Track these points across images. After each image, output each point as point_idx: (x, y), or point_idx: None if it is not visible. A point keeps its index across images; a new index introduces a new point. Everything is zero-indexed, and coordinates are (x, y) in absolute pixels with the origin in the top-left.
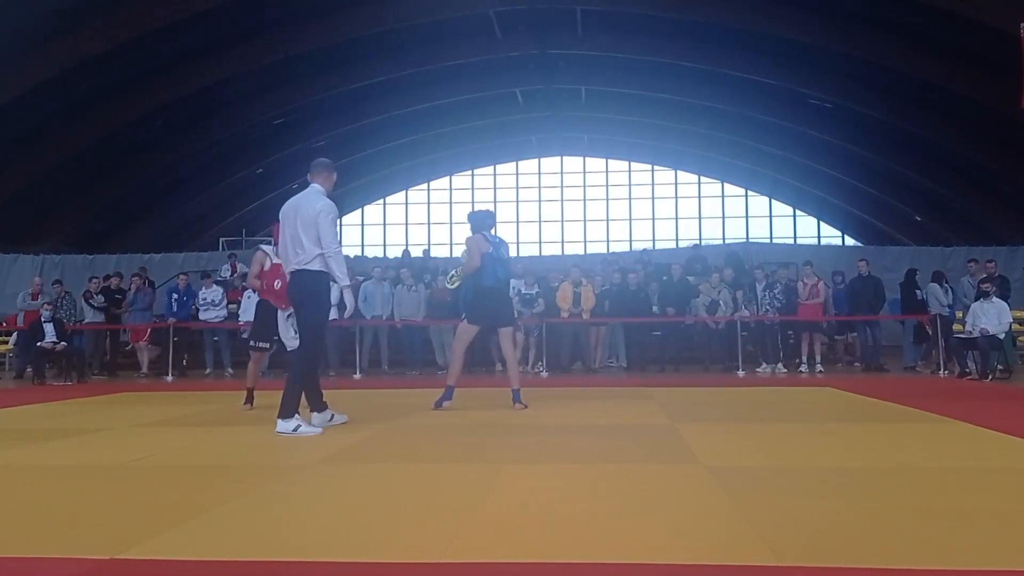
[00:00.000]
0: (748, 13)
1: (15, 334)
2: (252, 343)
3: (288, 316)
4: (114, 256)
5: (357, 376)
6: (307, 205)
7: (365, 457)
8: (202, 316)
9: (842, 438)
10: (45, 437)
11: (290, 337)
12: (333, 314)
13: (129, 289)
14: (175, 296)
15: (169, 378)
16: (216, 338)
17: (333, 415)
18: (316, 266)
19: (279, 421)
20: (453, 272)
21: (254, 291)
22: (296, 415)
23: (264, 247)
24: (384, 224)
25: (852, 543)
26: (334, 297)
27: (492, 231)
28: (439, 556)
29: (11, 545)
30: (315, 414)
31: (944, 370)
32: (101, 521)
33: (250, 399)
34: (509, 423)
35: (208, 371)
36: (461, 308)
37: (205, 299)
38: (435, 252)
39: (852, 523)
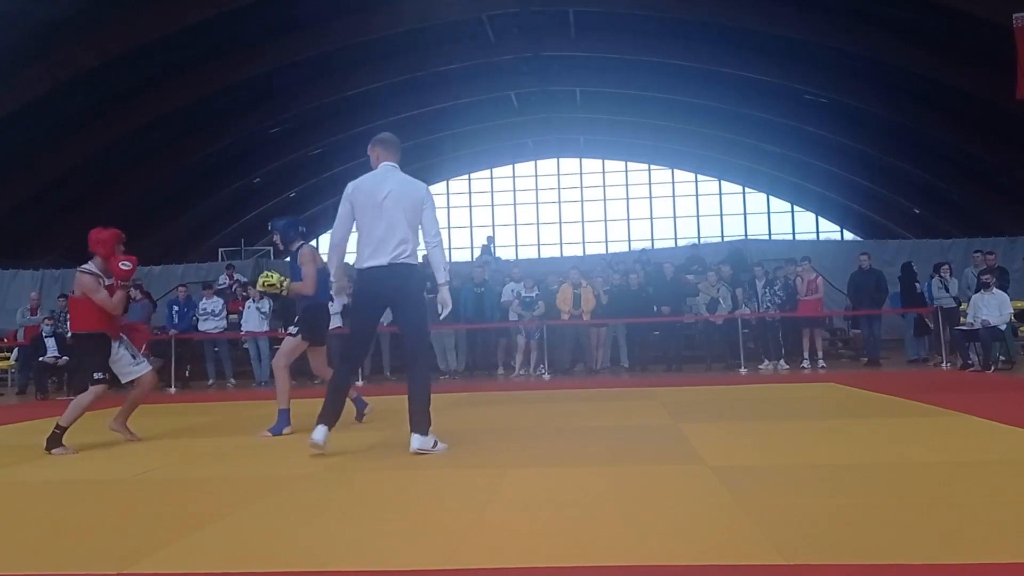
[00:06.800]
0: (740, 11)
1: (16, 350)
2: (96, 374)
3: (119, 342)
4: None
5: (360, 383)
6: (409, 188)
7: (369, 464)
8: (201, 327)
9: (846, 434)
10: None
11: (129, 363)
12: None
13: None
14: (175, 308)
15: (172, 390)
16: (217, 348)
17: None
18: (415, 260)
19: (416, 437)
20: (274, 280)
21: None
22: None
23: (90, 268)
24: None
25: (858, 540)
26: (336, 306)
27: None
28: (445, 563)
29: (18, 562)
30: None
31: (946, 362)
32: (108, 535)
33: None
34: (512, 427)
35: (211, 382)
36: (461, 314)
37: (204, 309)
38: None
39: (858, 520)
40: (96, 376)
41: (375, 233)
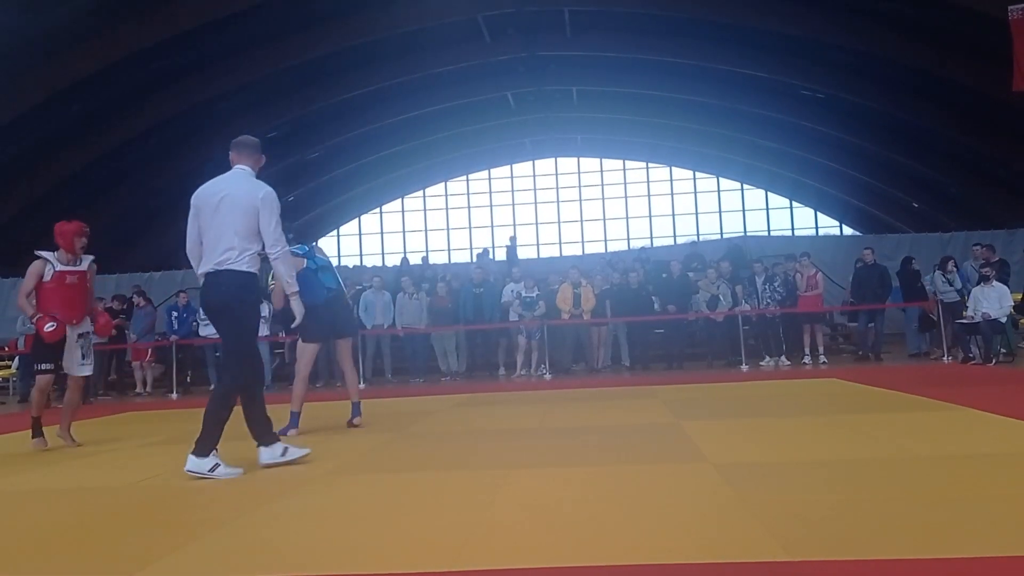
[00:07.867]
0: (737, 8)
1: (17, 358)
2: (36, 366)
3: (79, 336)
4: (114, 276)
5: (361, 386)
6: (247, 191)
7: (372, 467)
8: (202, 332)
9: (848, 430)
10: (52, 460)
11: (77, 362)
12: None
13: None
14: (175, 314)
15: (174, 396)
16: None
17: (286, 449)
18: (245, 266)
19: (191, 458)
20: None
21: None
22: (214, 452)
23: (43, 253)
24: (381, 233)
25: (863, 535)
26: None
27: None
28: (449, 565)
29: (21, 571)
30: (263, 448)
31: (948, 356)
32: (111, 543)
33: (39, 431)
34: (514, 427)
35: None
36: (460, 315)
37: (205, 315)
38: (433, 259)
39: (862, 515)
40: (39, 367)
41: (207, 239)
